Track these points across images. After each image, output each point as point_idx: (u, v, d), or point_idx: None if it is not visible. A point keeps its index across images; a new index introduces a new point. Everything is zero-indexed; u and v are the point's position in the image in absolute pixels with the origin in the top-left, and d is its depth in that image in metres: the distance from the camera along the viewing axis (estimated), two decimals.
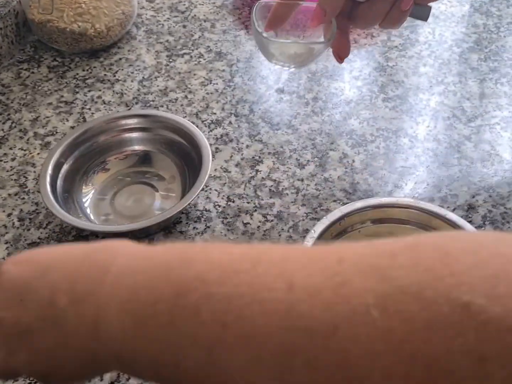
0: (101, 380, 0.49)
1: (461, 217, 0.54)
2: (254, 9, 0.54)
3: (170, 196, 0.62)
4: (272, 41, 0.56)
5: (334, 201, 0.61)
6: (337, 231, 0.54)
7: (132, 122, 0.65)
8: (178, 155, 0.64)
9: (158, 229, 0.58)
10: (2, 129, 0.69)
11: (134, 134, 0.66)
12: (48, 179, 0.58)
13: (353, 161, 0.66)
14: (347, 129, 0.69)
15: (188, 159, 0.63)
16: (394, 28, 0.52)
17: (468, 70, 0.77)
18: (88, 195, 0.62)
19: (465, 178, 0.64)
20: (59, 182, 0.60)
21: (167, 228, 0.59)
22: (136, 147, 0.66)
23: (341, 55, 0.54)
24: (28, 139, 0.68)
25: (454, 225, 0.52)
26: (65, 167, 0.61)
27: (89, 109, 0.72)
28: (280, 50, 0.70)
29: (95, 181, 0.63)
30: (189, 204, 0.56)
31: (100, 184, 0.63)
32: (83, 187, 0.62)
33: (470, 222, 0.57)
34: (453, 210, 0.60)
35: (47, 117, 0.71)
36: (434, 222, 0.53)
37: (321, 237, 0.51)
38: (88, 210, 0.60)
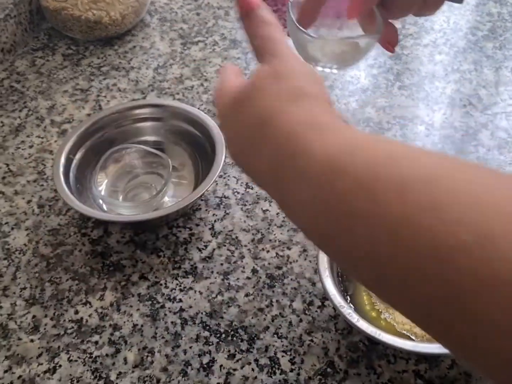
0: (125, 363, 0.49)
1: None
2: (289, 7, 0.46)
3: (182, 183, 0.62)
4: (316, 39, 0.45)
5: None
6: None
7: (145, 112, 0.65)
8: (188, 143, 0.64)
9: (178, 216, 0.59)
10: (19, 117, 0.69)
11: (147, 124, 0.65)
12: (61, 169, 0.58)
13: None
14: (363, 117, 0.69)
15: (199, 147, 0.62)
16: (431, 14, 0.49)
17: (483, 58, 0.77)
18: (101, 186, 0.62)
19: None
20: (71, 172, 0.59)
21: (187, 215, 0.59)
22: (148, 138, 0.65)
23: (392, 43, 0.49)
24: (45, 127, 0.68)
25: None
26: (78, 156, 0.61)
27: (105, 96, 0.72)
28: (323, 50, 0.57)
29: (108, 170, 0.63)
30: (207, 190, 0.56)
31: (114, 174, 0.62)
32: (98, 176, 0.62)
33: None
34: None
35: (63, 104, 0.71)
36: None
37: None
38: (100, 201, 0.60)
